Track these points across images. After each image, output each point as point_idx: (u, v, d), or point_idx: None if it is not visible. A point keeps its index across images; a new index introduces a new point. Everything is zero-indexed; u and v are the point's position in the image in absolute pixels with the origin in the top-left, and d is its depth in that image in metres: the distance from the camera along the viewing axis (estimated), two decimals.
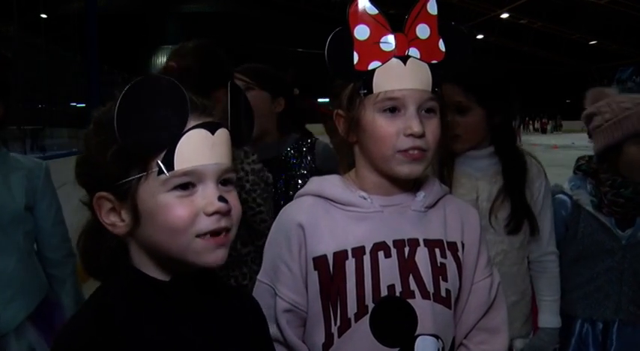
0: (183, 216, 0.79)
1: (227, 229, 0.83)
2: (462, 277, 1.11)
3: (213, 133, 0.82)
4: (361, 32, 1.02)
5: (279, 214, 1.15)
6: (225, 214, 0.82)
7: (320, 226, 1.07)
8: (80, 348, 0.77)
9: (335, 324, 1.05)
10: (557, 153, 15.37)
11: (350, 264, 1.05)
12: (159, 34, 29.75)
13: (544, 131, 35.17)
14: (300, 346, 1.08)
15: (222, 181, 0.84)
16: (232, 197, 0.84)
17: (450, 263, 1.09)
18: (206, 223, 0.80)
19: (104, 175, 0.81)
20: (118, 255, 0.85)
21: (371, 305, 1.04)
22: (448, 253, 1.09)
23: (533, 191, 1.64)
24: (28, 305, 1.68)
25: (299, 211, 1.11)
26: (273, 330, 1.07)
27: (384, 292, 1.04)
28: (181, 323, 0.84)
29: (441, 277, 1.07)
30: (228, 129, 0.86)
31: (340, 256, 1.05)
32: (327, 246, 1.06)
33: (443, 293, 1.07)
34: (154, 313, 0.83)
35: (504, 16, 31.00)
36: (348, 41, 1.02)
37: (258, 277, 1.14)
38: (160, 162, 0.78)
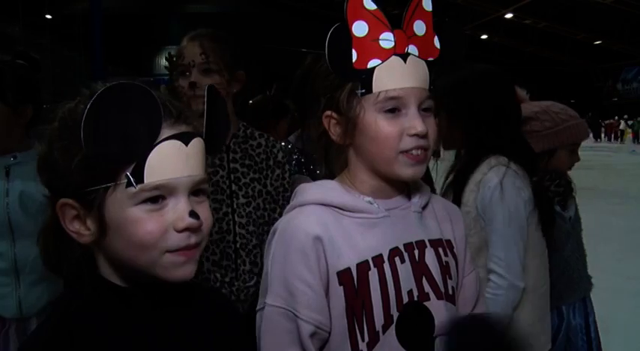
0: (152, 231, 0.75)
1: (197, 244, 0.79)
2: (458, 272, 1.12)
3: (187, 144, 0.77)
4: (359, 29, 0.97)
5: (282, 228, 1.03)
6: (196, 230, 0.78)
7: (337, 238, 1.00)
8: None
9: (363, 340, 0.99)
10: None
11: (373, 274, 1.00)
12: (163, 34, 29.72)
13: None
14: None
15: (195, 192, 0.79)
16: (204, 209, 0.80)
17: (451, 261, 1.10)
18: (176, 240, 0.77)
19: (68, 182, 0.76)
20: (82, 262, 0.82)
21: (395, 314, 1.00)
22: (448, 251, 1.10)
23: (484, 192, 1.52)
24: (51, 290, 1.73)
25: (310, 222, 1.01)
26: None
27: (405, 299, 1.01)
28: (148, 333, 0.81)
29: (447, 276, 1.08)
30: (202, 137, 0.81)
31: (363, 268, 1.00)
32: (348, 258, 1.00)
33: (450, 291, 1.07)
34: (120, 324, 0.79)
35: (508, 16, 30.86)
36: (346, 38, 0.97)
37: (267, 301, 1.00)
38: (129, 174, 0.74)
